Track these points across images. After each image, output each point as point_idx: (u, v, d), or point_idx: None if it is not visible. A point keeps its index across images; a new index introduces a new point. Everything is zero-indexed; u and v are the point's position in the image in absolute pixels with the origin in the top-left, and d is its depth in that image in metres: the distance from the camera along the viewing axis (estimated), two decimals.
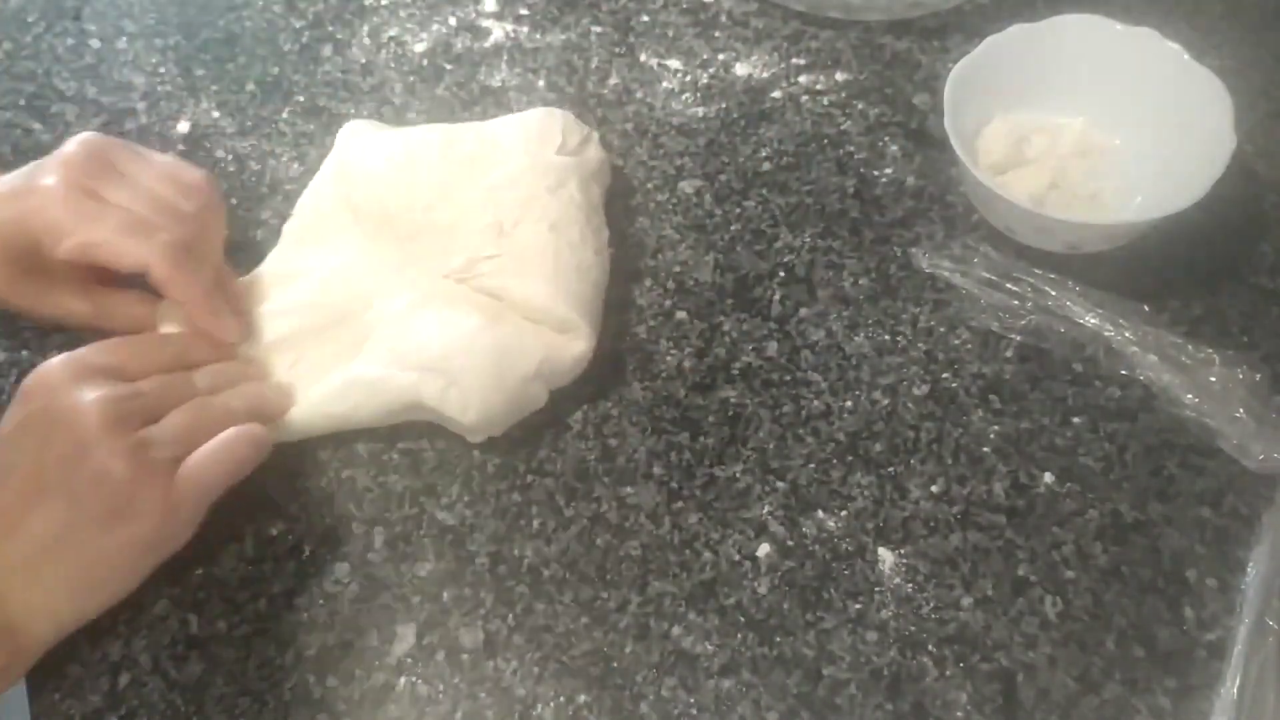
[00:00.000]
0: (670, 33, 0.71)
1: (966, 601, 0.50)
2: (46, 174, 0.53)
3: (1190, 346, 0.56)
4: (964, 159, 0.57)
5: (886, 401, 0.56)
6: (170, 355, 0.54)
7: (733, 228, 0.62)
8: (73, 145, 0.55)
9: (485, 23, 0.73)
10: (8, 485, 0.46)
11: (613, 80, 0.69)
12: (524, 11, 0.73)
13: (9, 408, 0.49)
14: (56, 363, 0.49)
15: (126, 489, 0.47)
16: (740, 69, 0.69)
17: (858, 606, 0.50)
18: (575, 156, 0.60)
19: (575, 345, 0.55)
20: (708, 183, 0.64)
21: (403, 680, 0.49)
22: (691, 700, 0.48)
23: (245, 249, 0.63)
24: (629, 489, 0.54)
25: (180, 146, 0.67)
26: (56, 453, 0.46)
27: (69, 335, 0.60)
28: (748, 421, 0.56)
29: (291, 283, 0.58)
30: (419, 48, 0.72)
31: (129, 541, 0.47)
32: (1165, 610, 0.50)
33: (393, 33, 0.73)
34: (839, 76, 0.68)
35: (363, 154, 0.61)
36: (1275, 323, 0.58)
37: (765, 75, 0.69)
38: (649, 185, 0.64)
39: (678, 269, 0.61)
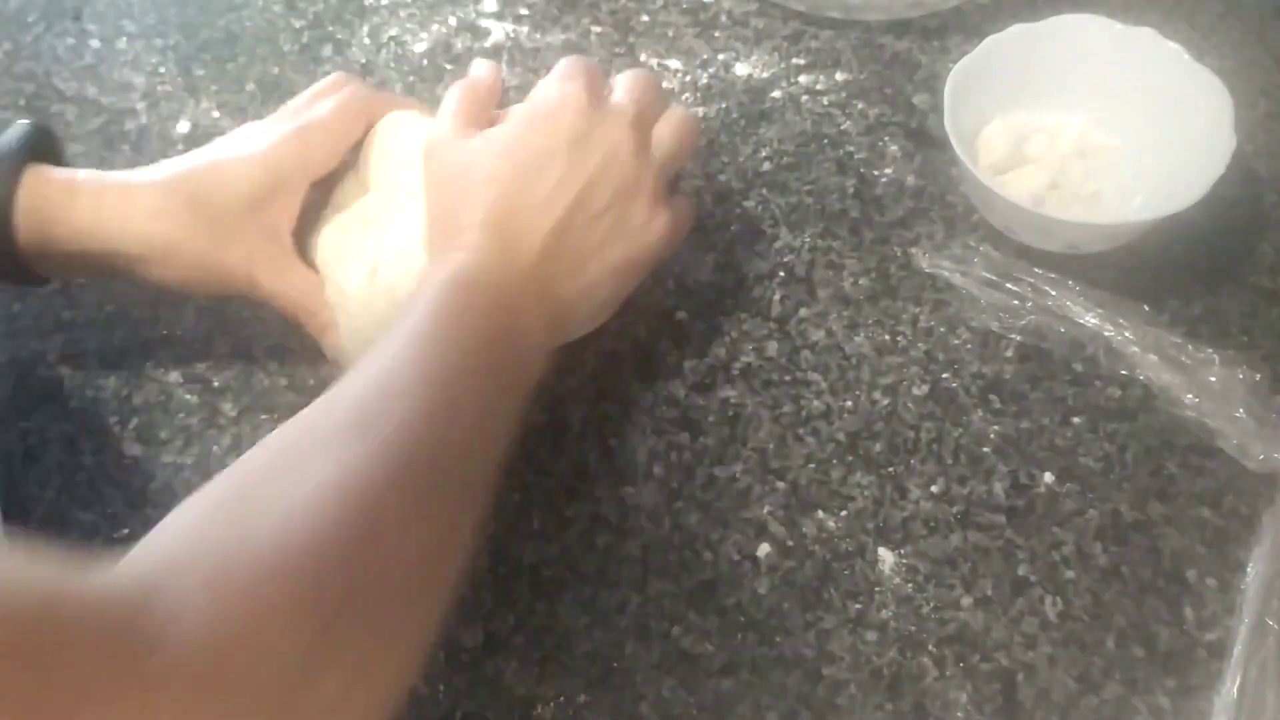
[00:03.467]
0: (670, 33, 0.71)
1: (966, 601, 0.50)
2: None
3: (1190, 346, 0.56)
4: (964, 159, 0.57)
5: (886, 401, 0.56)
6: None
7: (733, 227, 0.62)
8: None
9: (485, 23, 0.73)
10: (559, 204, 0.50)
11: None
12: (524, 11, 0.73)
13: (518, 129, 0.52)
14: (560, 89, 0.52)
15: (647, 205, 0.52)
16: (740, 69, 0.69)
17: (858, 606, 0.50)
18: None
19: None
20: (707, 182, 0.64)
21: None
22: (691, 700, 0.48)
23: None
24: (629, 489, 0.54)
25: (180, 146, 0.67)
26: (593, 170, 0.50)
27: (69, 335, 0.60)
28: (748, 421, 0.56)
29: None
30: (419, 48, 0.72)
31: (641, 253, 0.52)
32: (1165, 610, 0.50)
33: (393, 33, 0.73)
34: (839, 76, 0.68)
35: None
36: (1275, 323, 0.58)
37: (765, 75, 0.69)
38: None
39: (678, 269, 0.61)
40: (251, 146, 0.53)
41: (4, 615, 0.28)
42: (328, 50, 0.72)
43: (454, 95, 0.54)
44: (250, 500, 0.37)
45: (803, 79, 0.69)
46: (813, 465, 0.54)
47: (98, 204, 0.51)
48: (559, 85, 0.52)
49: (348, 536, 0.36)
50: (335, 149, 0.55)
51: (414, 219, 0.54)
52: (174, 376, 0.59)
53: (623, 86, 0.54)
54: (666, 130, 0.54)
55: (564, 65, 0.54)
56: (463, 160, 0.51)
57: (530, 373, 0.48)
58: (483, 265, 0.48)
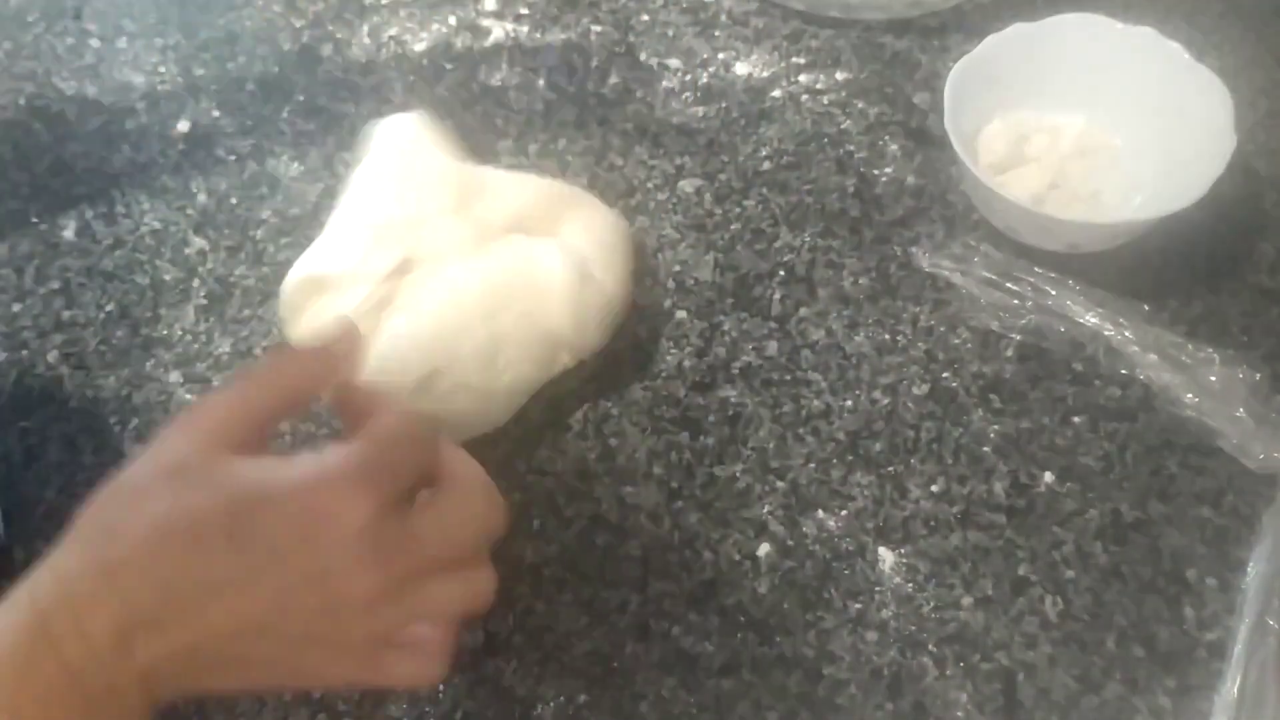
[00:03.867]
0: (670, 32, 0.71)
1: (967, 601, 0.50)
2: None
3: (1190, 346, 0.56)
4: (964, 158, 0.57)
5: (886, 401, 0.56)
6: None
7: (733, 227, 0.62)
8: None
9: (485, 22, 0.73)
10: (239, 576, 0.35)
11: (613, 80, 0.69)
12: (524, 11, 0.73)
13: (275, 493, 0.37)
14: (347, 496, 0.36)
15: (355, 651, 0.37)
16: (740, 68, 0.69)
17: (858, 606, 0.50)
18: None
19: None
20: (708, 182, 0.64)
21: None
22: (691, 700, 0.48)
23: (245, 248, 0.63)
24: (629, 489, 0.54)
25: (180, 146, 0.67)
26: (309, 605, 0.36)
27: (68, 335, 0.60)
28: (748, 421, 0.56)
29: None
30: (419, 47, 0.72)
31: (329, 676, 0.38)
32: (1165, 610, 0.50)
33: (393, 32, 0.73)
34: (839, 76, 0.68)
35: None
36: (1275, 322, 0.58)
37: (765, 75, 0.69)
38: (649, 185, 0.64)
39: (678, 269, 0.61)
40: None
41: None
42: (328, 50, 0.72)
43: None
44: None
45: (803, 78, 0.69)
46: (813, 465, 0.54)
47: None
48: (338, 481, 0.36)
49: None
50: None
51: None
52: (174, 376, 0.59)
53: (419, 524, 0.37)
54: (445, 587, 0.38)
55: (362, 451, 0.37)
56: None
57: None
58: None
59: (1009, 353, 0.57)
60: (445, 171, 0.58)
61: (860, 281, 0.60)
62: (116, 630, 0.34)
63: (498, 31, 0.72)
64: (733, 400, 0.56)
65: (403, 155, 0.59)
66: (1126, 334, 0.56)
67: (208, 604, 0.35)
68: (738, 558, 0.52)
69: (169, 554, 0.35)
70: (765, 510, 0.53)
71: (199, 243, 0.64)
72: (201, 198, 0.65)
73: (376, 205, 0.57)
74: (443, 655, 0.38)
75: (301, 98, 0.70)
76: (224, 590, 0.35)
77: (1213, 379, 0.55)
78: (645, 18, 0.72)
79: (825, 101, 0.67)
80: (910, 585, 0.51)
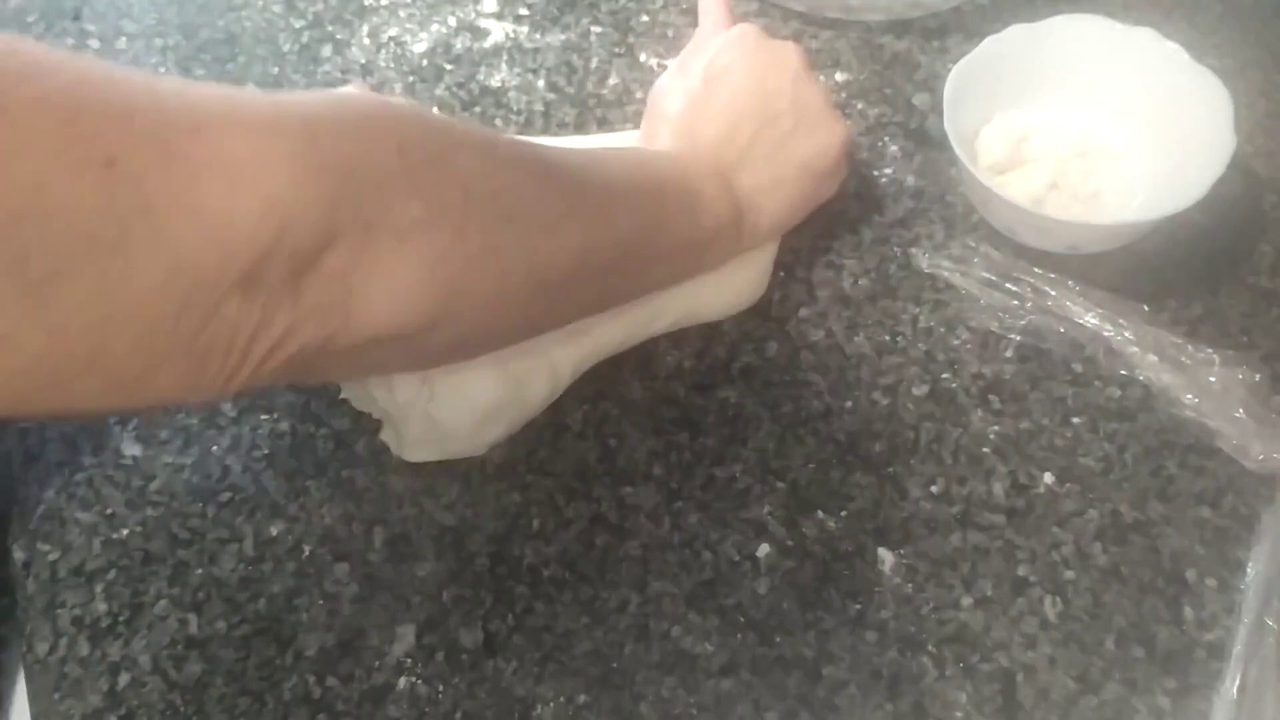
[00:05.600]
0: (670, 33, 0.71)
1: (966, 601, 0.50)
2: None
3: (1190, 346, 0.56)
4: (963, 159, 0.57)
5: (886, 402, 0.56)
6: None
7: None
8: None
9: (485, 23, 0.73)
10: (750, 99, 0.56)
11: (613, 80, 0.69)
12: (524, 11, 0.73)
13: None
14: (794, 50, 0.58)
15: (823, 114, 0.57)
16: None
17: (857, 607, 0.50)
18: None
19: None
20: None
21: (403, 680, 0.49)
22: (691, 700, 0.48)
23: None
24: (629, 489, 0.54)
25: None
26: (784, 83, 0.57)
27: None
28: (748, 421, 0.56)
29: None
30: (419, 48, 0.72)
31: (826, 156, 0.58)
32: (1165, 610, 0.50)
33: (392, 33, 0.73)
34: (839, 76, 0.68)
35: None
36: (1275, 323, 0.58)
37: None
38: None
39: None
40: None
41: None
42: (327, 50, 0.72)
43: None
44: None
45: None
46: (813, 465, 0.54)
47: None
48: (735, 29, 0.59)
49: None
50: None
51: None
52: None
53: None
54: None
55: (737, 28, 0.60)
56: (661, 89, 0.59)
57: (708, 250, 0.54)
58: (665, 155, 0.55)
59: (1008, 353, 0.57)
60: None
61: (860, 282, 0.60)
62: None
63: (497, 32, 0.72)
64: (733, 400, 0.56)
65: None
66: (1126, 335, 0.56)
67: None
68: (737, 558, 0.52)
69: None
70: (765, 510, 0.53)
71: None
72: None
73: None
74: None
75: None
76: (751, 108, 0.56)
77: (1212, 380, 0.55)
78: (645, 18, 0.72)
79: None
80: (910, 586, 0.51)
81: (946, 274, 0.59)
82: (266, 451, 0.56)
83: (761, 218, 0.56)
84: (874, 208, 0.63)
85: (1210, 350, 0.55)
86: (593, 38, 0.71)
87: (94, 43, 0.73)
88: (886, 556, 0.52)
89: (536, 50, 0.71)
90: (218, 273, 0.32)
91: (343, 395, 0.56)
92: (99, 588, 0.52)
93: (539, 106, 0.68)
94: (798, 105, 0.56)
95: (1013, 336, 0.57)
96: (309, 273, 0.34)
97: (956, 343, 0.58)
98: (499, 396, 0.53)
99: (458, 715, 0.49)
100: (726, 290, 0.58)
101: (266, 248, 0.32)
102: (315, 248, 0.34)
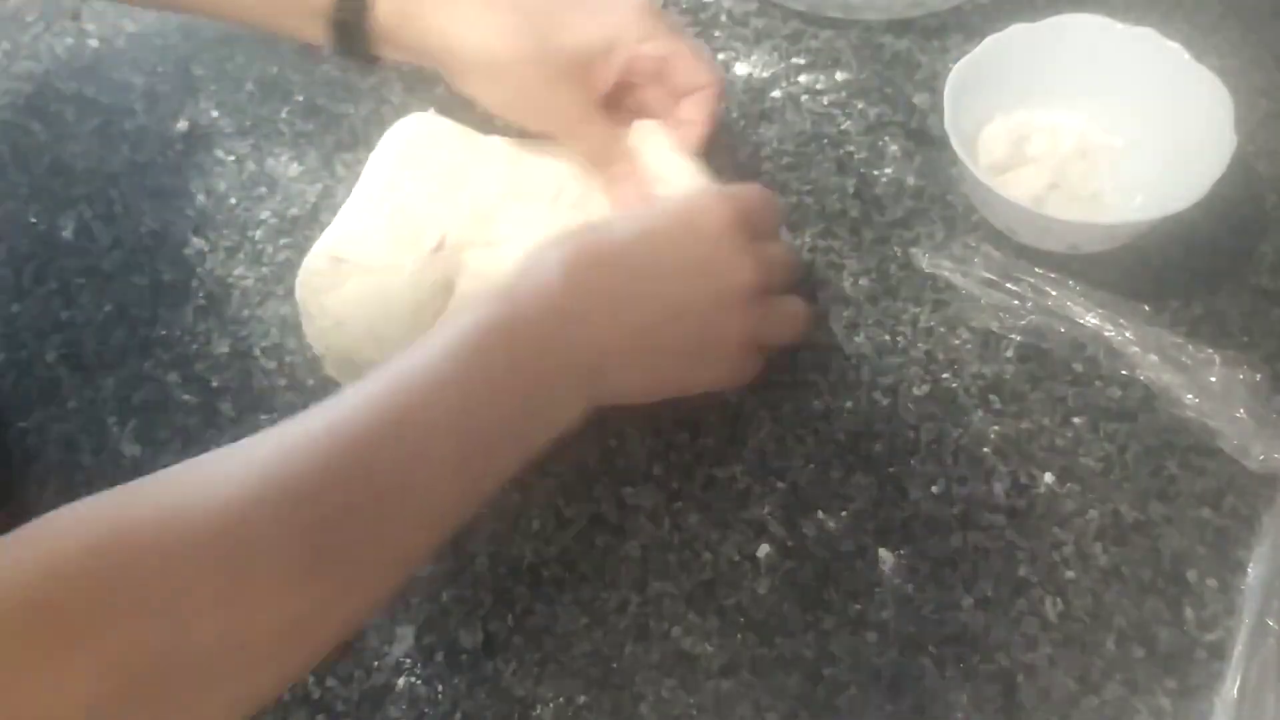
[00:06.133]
0: None
1: (966, 602, 0.50)
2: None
3: (1190, 346, 0.56)
4: (964, 159, 0.57)
5: (886, 402, 0.56)
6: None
7: None
8: None
9: None
10: (658, 281, 0.49)
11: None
12: None
13: (666, 214, 0.52)
14: (726, 206, 0.51)
15: (728, 351, 0.51)
16: (740, 69, 0.69)
17: (857, 607, 0.50)
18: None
19: None
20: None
21: (402, 680, 0.49)
22: (691, 700, 0.48)
23: (244, 249, 0.63)
24: (629, 489, 0.54)
25: (179, 146, 0.67)
26: (704, 296, 0.49)
27: (66, 335, 0.60)
28: (748, 421, 0.56)
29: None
30: None
31: (700, 380, 0.52)
32: (1165, 611, 0.50)
33: None
34: (839, 76, 0.68)
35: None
36: (1275, 323, 0.58)
37: (765, 75, 0.69)
38: None
39: None
40: (600, 10, 0.57)
41: None
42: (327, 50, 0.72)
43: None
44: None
45: (803, 79, 0.68)
46: (813, 465, 0.54)
47: (454, 6, 0.56)
48: (718, 198, 0.52)
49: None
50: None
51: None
52: (173, 376, 0.59)
53: (773, 248, 0.53)
54: (780, 310, 0.53)
55: (736, 187, 0.55)
56: (598, 228, 0.52)
57: (551, 425, 0.47)
58: (530, 318, 0.46)
59: (1009, 353, 0.57)
60: (482, 149, 0.60)
61: (860, 282, 0.60)
62: (561, 323, 0.46)
63: None
64: (732, 400, 0.56)
65: (424, 143, 0.60)
66: (1127, 335, 0.56)
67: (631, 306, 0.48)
68: (737, 558, 0.52)
69: (603, 279, 0.48)
70: (765, 511, 0.53)
71: (198, 243, 0.64)
72: (200, 198, 0.65)
73: (402, 189, 0.58)
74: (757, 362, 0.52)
75: (300, 98, 0.70)
76: (640, 294, 0.48)
77: (1213, 380, 0.55)
78: None
79: (825, 102, 0.67)
80: (910, 586, 0.51)
81: (947, 274, 0.59)
82: None
83: (612, 393, 0.49)
84: (874, 208, 0.63)
85: (1211, 350, 0.55)
86: None
87: (93, 42, 0.73)
88: (887, 557, 0.52)
89: None
90: None
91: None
92: None
93: None
94: (711, 334, 0.50)
95: (1013, 336, 0.57)
96: None
97: (957, 343, 0.58)
98: None
99: (457, 715, 0.48)
100: None
101: None
102: None
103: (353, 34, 0.57)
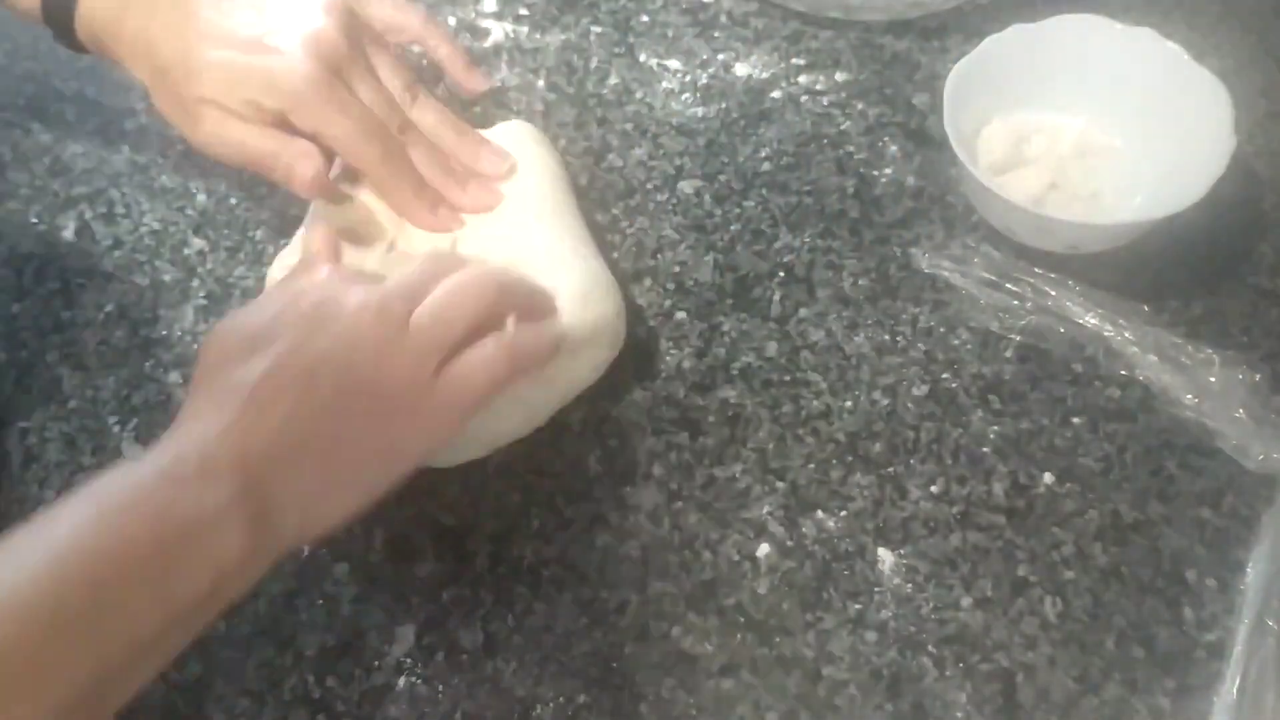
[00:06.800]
0: (670, 33, 0.71)
1: (966, 602, 0.50)
2: (298, 44, 0.54)
3: (1190, 347, 0.56)
4: (963, 159, 0.57)
5: (886, 402, 0.56)
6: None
7: (732, 228, 0.62)
8: (327, 20, 0.55)
9: (485, 23, 0.73)
10: (277, 372, 0.43)
11: (613, 80, 0.69)
12: (524, 11, 0.73)
13: (269, 302, 0.47)
14: (324, 270, 0.48)
15: (394, 390, 0.45)
16: (740, 69, 0.69)
17: (857, 607, 0.50)
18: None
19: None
20: (707, 183, 0.64)
21: (402, 680, 0.49)
22: (691, 700, 0.48)
23: (245, 249, 0.63)
24: (629, 489, 0.54)
25: (180, 146, 0.67)
26: (322, 345, 0.44)
27: (65, 336, 0.60)
28: (748, 421, 0.56)
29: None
30: (418, 48, 0.71)
31: (386, 445, 0.45)
32: (1165, 611, 0.50)
33: None
34: (839, 76, 0.68)
35: None
36: (1275, 323, 0.58)
37: (765, 75, 0.69)
38: (649, 185, 0.64)
39: (677, 269, 0.61)
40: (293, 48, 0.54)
41: None
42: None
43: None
44: None
45: (802, 79, 0.69)
46: (812, 465, 0.54)
47: (151, 11, 0.54)
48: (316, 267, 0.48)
49: None
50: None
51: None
52: (174, 376, 0.59)
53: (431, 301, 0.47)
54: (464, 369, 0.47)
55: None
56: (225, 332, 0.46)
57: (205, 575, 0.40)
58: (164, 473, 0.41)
59: (1008, 354, 0.57)
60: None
61: (860, 282, 0.60)
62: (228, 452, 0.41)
63: (497, 32, 0.72)
64: (732, 401, 0.56)
65: None
66: (1126, 335, 0.56)
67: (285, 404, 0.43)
68: (737, 558, 0.52)
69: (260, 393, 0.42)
70: (765, 511, 0.53)
71: (198, 243, 0.64)
72: (201, 198, 0.65)
73: (362, 189, 0.58)
74: (467, 405, 0.47)
75: None
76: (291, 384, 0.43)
77: (1212, 380, 0.55)
78: (645, 18, 0.72)
79: (825, 102, 0.67)
80: (910, 586, 0.51)
81: (946, 274, 0.59)
82: None
83: (302, 522, 0.44)
84: (874, 208, 0.63)
85: (1210, 350, 0.55)
86: (592, 38, 0.71)
87: None
88: (886, 556, 0.52)
89: (536, 50, 0.71)
90: None
91: None
92: None
93: (539, 106, 0.68)
94: (361, 397, 0.45)
95: (1013, 337, 0.57)
96: None
97: (956, 343, 0.58)
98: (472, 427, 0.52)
99: (457, 715, 0.49)
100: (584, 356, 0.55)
101: None
102: None
103: (62, 27, 0.57)
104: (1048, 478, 0.53)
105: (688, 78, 0.69)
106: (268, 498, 0.42)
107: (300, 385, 0.43)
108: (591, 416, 0.56)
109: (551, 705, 0.49)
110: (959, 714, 0.48)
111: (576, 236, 0.57)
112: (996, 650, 0.49)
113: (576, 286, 0.54)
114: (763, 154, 0.65)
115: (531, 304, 0.51)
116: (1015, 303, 0.58)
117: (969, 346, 0.58)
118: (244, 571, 0.42)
